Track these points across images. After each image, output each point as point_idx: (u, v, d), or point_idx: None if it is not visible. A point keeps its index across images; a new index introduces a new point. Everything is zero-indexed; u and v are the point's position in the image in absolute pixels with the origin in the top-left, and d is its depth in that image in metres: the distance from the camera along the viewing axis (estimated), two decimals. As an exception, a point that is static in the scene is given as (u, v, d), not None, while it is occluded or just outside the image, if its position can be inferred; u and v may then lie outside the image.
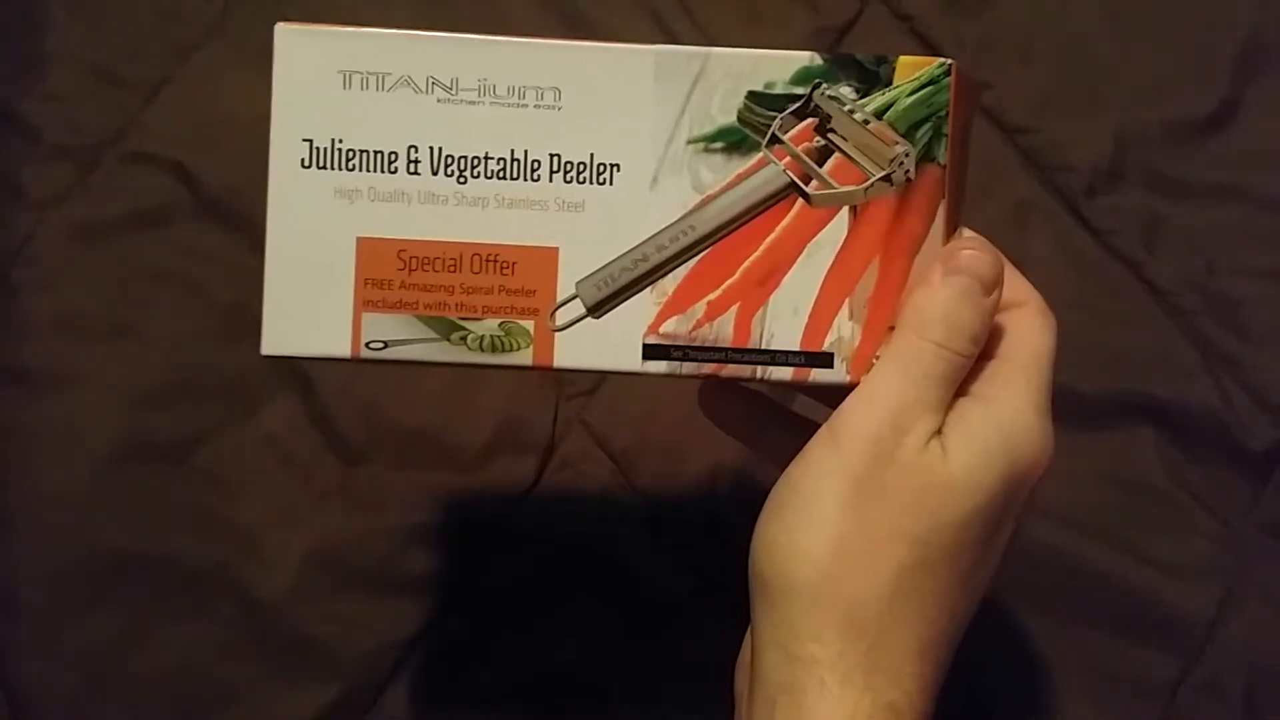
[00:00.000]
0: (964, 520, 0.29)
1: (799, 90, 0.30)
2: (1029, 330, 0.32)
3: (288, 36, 0.30)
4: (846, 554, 0.29)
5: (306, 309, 0.30)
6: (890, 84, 0.30)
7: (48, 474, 0.47)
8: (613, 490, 0.47)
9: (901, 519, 0.29)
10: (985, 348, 0.32)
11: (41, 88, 0.50)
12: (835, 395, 0.31)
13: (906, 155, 0.30)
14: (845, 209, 0.30)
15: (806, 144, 0.30)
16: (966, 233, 0.32)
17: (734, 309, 0.31)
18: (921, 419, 0.29)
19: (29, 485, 0.47)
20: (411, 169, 0.30)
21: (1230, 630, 0.45)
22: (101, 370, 0.48)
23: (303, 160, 0.30)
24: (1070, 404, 0.47)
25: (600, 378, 0.48)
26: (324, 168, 0.30)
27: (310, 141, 0.30)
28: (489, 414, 0.48)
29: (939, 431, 0.30)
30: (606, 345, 0.31)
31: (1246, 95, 0.50)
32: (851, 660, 0.28)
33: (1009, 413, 0.30)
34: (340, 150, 0.30)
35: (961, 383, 0.31)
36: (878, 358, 0.30)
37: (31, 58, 0.50)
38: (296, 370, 0.48)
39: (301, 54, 0.30)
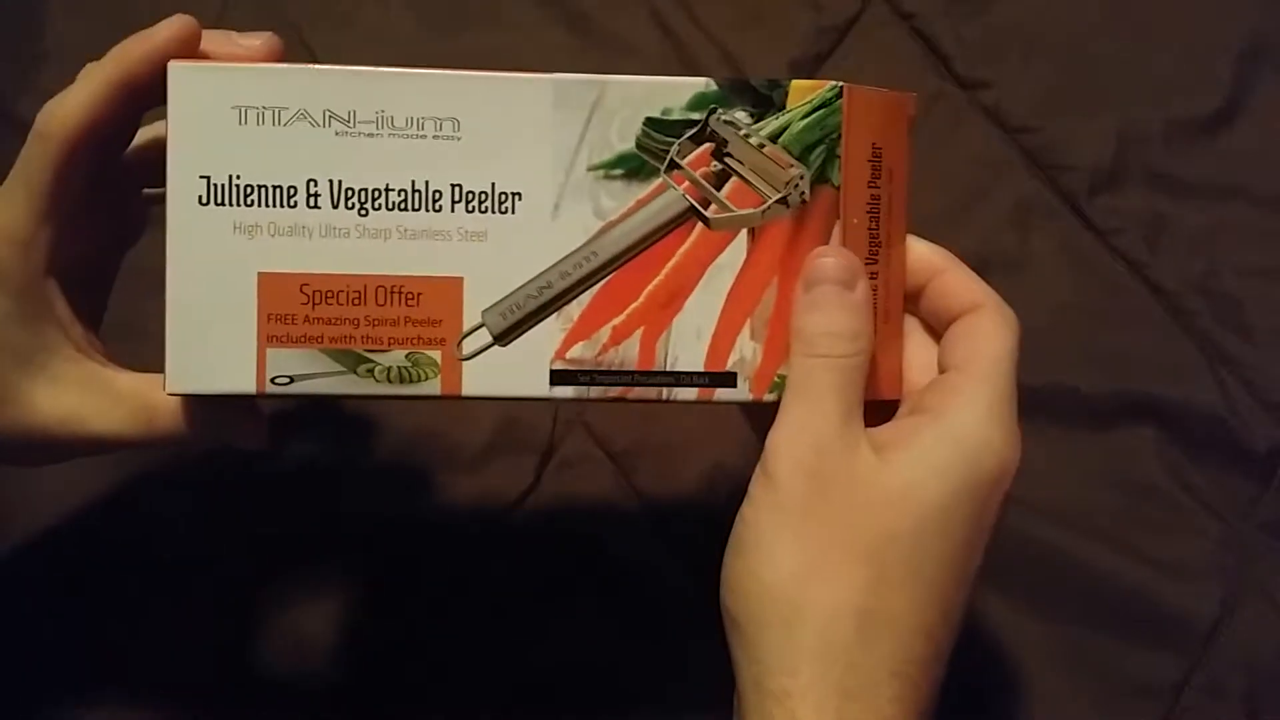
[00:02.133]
0: (915, 532, 0.29)
1: (695, 116, 0.31)
2: (986, 334, 0.32)
3: (180, 74, 0.30)
4: (809, 580, 0.29)
5: (210, 347, 0.30)
6: (783, 108, 0.31)
7: (48, 474, 0.46)
8: (613, 491, 0.47)
9: (852, 537, 0.29)
10: (946, 358, 0.32)
11: (39, 86, 0.49)
12: (763, 413, 0.31)
13: (801, 178, 0.31)
14: (744, 231, 0.31)
15: (704, 168, 0.31)
16: (831, 247, 0.31)
17: (638, 333, 0.31)
18: (838, 432, 0.30)
19: (29, 485, 0.46)
20: (311, 202, 0.30)
21: (1232, 631, 0.45)
22: (100, 370, 0.47)
23: (200, 197, 0.30)
24: (1071, 404, 0.47)
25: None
26: (222, 204, 0.30)
27: (207, 178, 0.30)
28: (489, 414, 0.47)
29: (880, 443, 0.30)
30: (514, 372, 0.31)
31: (1249, 94, 0.49)
32: (823, 690, 0.28)
33: (961, 424, 0.30)
34: (238, 186, 0.30)
35: (918, 396, 0.32)
36: (780, 375, 0.31)
37: (29, 56, 0.50)
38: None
39: (195, 91, 0.30)
